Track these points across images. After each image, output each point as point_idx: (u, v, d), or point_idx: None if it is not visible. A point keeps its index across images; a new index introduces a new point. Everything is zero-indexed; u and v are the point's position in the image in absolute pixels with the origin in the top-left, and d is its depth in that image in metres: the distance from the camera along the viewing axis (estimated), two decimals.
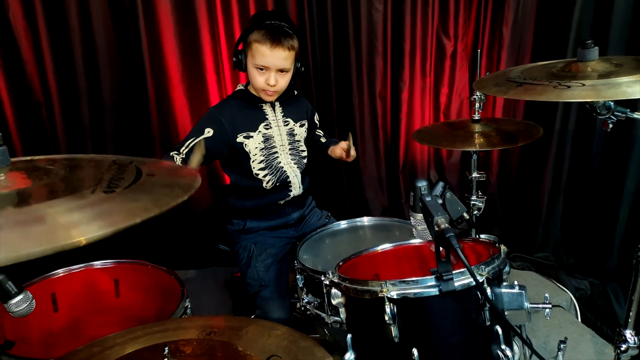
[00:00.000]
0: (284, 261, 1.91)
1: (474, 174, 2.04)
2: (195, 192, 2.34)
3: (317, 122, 2.07)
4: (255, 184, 1.85)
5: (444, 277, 1.06)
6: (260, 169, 1.83)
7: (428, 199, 1.08)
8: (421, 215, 1.12)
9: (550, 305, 1.17)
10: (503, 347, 1.13)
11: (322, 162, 2.11)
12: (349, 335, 1.24)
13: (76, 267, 1.72)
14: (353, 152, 1.86)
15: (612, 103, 1.25)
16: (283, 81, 1.76)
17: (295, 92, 1.98)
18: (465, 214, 1.42)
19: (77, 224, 0.66)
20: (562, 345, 1.17)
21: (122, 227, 0.67)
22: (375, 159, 2.83)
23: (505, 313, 1.17)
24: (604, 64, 1.24)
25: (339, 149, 1.90)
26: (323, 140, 2.08)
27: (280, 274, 1.86)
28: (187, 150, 1.77)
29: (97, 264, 1.75)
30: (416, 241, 1.45)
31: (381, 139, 2.80)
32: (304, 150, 1.95)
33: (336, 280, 1.25)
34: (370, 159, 2.82)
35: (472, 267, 1.09)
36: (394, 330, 1.11)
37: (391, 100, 2.76)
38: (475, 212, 2.16)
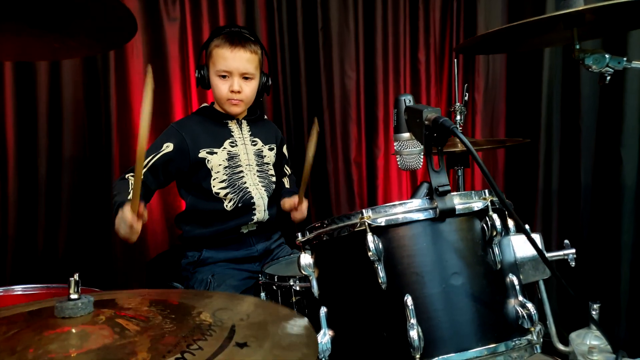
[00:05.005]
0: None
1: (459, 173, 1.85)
2: (150, 236, 2.06)
3: (286, 154, 1.93)
4: (215, 205, 1.64)
5: (440, 191, 0.85)
6: (221, 188, 1.64)
7: (414, 105, 0.92)
8: (407, 134, 0.94)
9: (573, 250, 0.94)
10: (521, 298, 0.88)
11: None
12: (323, 310, 0.96)
13: None
14: (301, 213, 1.69)
15: (607, 55, 1.17)
16: (248, 89, 1.66)
17: (265, 117, 1.88)
18: None
19: None
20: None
21: None
22: None
23: (517, 264, 0.94)
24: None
25: (288, 203, 1.71)
26: (286, 184, 1.92)
27: None
28: (145, 171, 1.59)
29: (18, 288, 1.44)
30: None
31: (358, 208, 2.64)
32: (273, 175, 1.78)
33: (305, 237, 1.00)
34: None
35: (471, 191, 0.90)
36: (380, 273, 0.86)
37: (367, 166, 2.67)
38: None
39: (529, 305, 0.86)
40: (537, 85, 2.41)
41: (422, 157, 0.95)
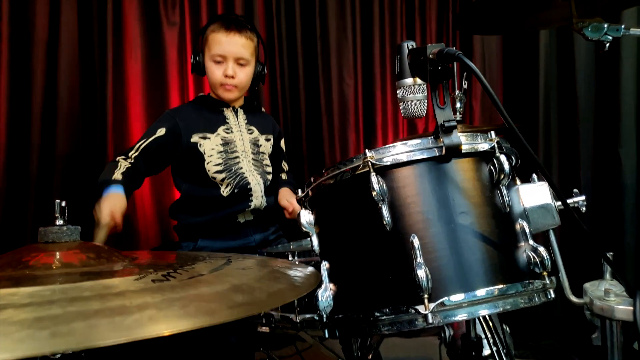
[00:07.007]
0: None
1: None
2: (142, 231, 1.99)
3: (283, 149, 1.89)
4: (211, 192, 1.60)
5: (446, 126, 0.82)
6: (217, 172, 1.60)
7: (417, 47, 0.90)
8: (410, 79, 0.91)
9: (583, 197, 0.91)
10: (532, 243, 0.84)
11: None
12: (325, 265, 0.92)
13: None
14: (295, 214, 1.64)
15: (605, 24, 1.17)
16: (242, 74, 1.64)
17: (262, 109, 1.86)
18: None
19: None
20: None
21: None
22: None
23: (526, 213, 0.90)
24: None
25: (284, 200, 1.68)
26: (284, 177, 1.88)
27: None
28: (137, 154, 1.56)
29: None
30: None
31: None
32: (268, 166, 1.74)
33: (305, 191, 0.97)
34: None
35: (477, 133, 0.87)
36: (384, 214, 0.82)
37: None
38: None
39: (541, 249, 0.82)
40: (534, 88, 2.42)
41: (425, 103, 0.92)
